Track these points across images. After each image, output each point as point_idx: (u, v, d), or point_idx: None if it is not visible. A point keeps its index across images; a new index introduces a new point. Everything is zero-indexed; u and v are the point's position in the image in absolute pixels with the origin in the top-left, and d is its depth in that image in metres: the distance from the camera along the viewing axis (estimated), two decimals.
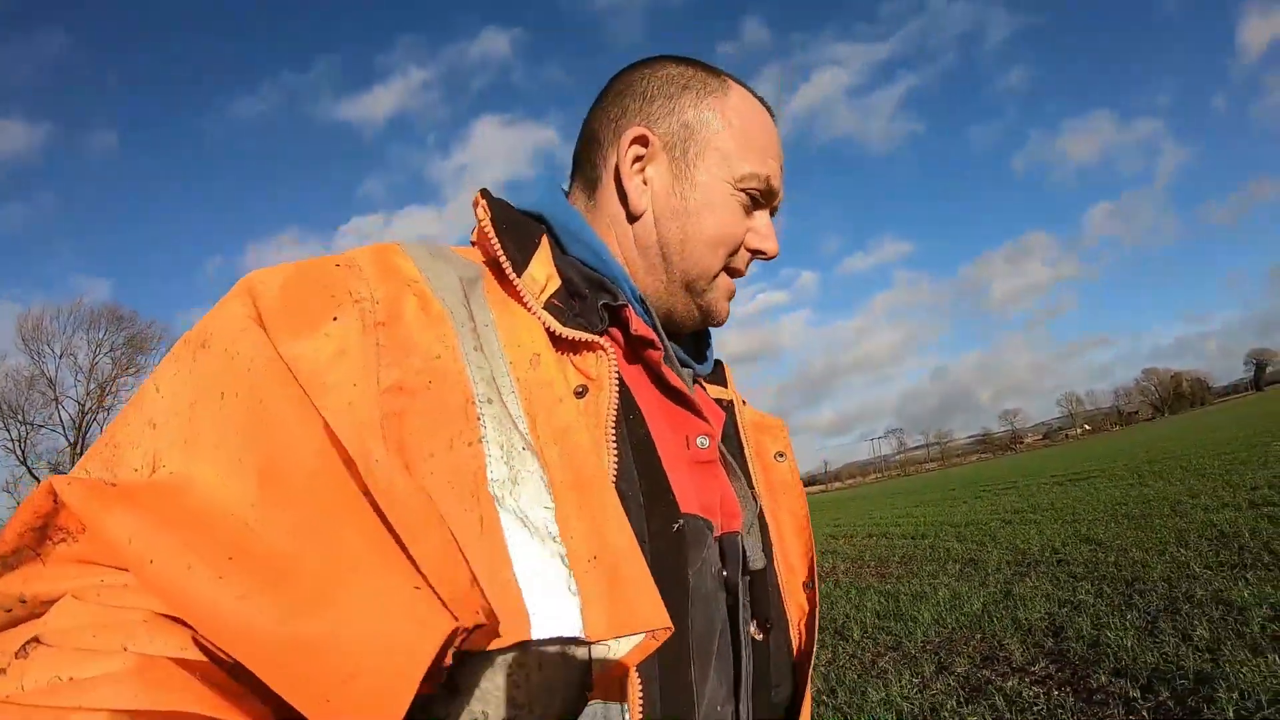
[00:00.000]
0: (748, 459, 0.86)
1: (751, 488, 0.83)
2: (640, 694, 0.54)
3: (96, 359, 34.99)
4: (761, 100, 0.83)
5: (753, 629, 0.77)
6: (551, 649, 0.49)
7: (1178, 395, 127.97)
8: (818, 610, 0.86)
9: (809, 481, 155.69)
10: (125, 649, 0.41)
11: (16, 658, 0.41)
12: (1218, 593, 4.98)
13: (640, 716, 0.54)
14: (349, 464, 0.48)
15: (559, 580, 0.51)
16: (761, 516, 0.83)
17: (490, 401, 0.57)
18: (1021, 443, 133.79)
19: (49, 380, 33.95)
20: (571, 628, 0.50)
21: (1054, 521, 10.75)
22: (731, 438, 0.86)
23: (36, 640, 0.41)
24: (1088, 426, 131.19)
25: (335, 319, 0.55)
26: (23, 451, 33.11)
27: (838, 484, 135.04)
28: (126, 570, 0.45)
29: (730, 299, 0.83)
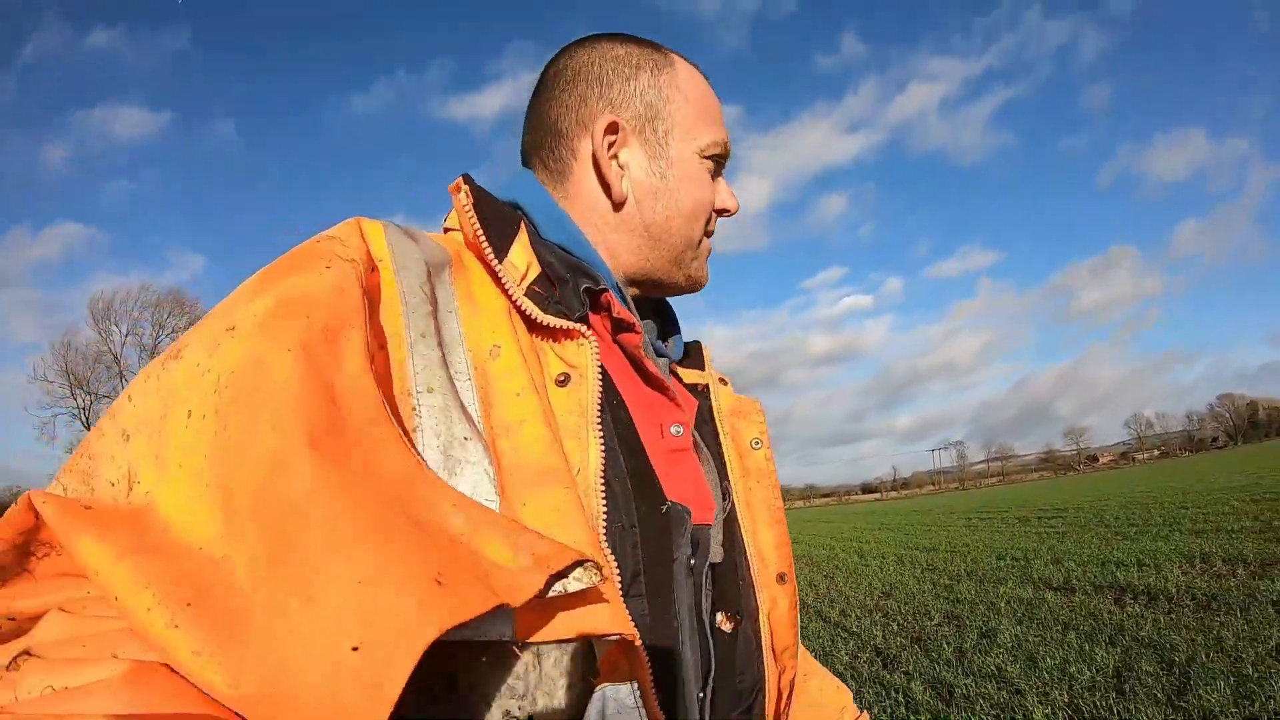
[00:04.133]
0: (723, 445, 0.85)
1: (725, 476, 0.83)
2: (651, 675, 0.53)
3: (159, 340, 39.24)
4: (698, 67, 0.85)
5: (720, 619, 0.77)
6: (548, 644, 0.49)
7: (1253, 423, 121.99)
8: (796, 603, 0.85)
9: (867, 490, 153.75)
10: (115, 656, 0.41)
11: (8, 670, 0.41)
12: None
13: (651, 694, 0.53)
14: (326, 464, 0.44)
15: None
16: (733, 506, 0.82)
17: (431, 391, 0.55)
18: (1096, 461, 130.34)
19: (114, 356, 38.60)
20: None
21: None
22: (707, 423, 0.86)
23: (27, 653, 0.41)
24: (1159, 450, 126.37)
25: (329, 266, 0.55)
26: (87, 419, 37.24)
27: (893, 494, 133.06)
28: None
29: (708, 258, 0.86)
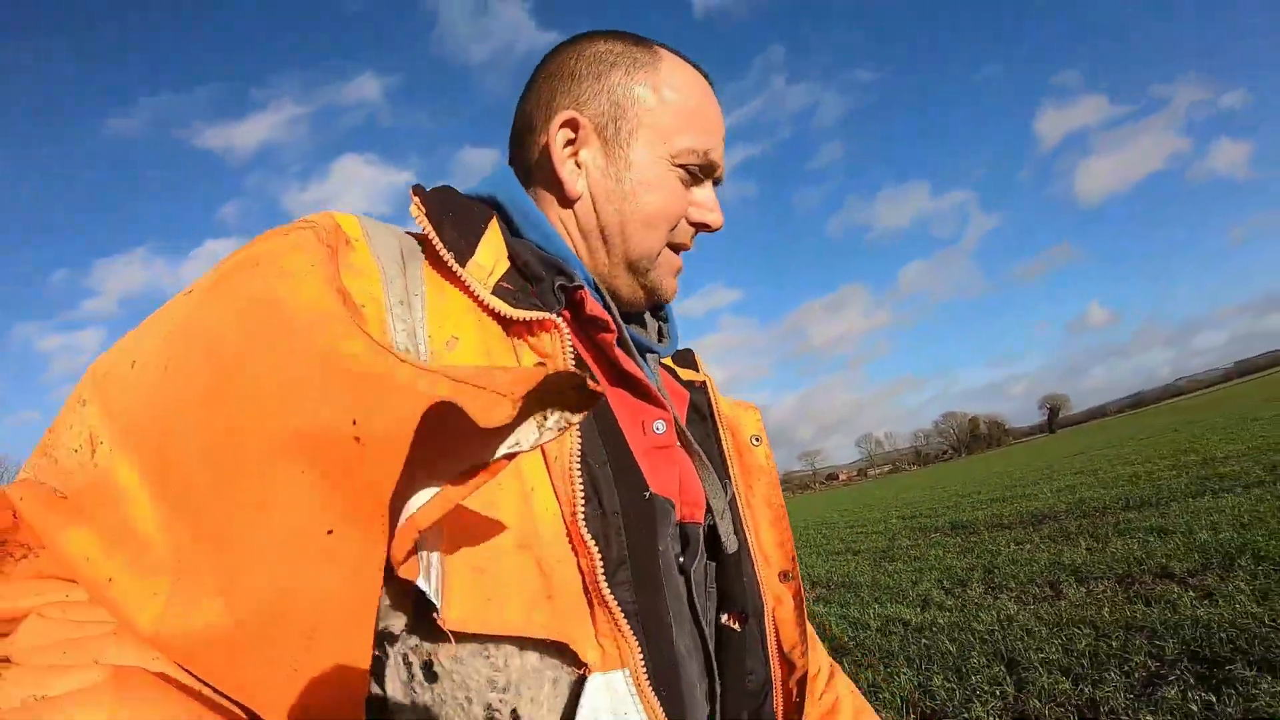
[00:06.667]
0: (723, 442, 0.83)
1: (727, 473, 0.81)
2: (643, 658, 0.53)
3: None
4: (698, 68, 0.79)
5: (727, 618, 0.75)
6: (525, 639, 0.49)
7: (975, 436, 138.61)
8: (802, 601, 0.83)
9: None
10: (96, 662, 0.40)
11: None
12: None
13: (645, 680, 0.53)
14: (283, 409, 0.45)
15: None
16: (734, 502, 0.80)
17: (409, 353, 0.55)
18: (837, 479, 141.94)
19: None
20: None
21: None
22: (705, 419, 0.84)
23: (6, 660, 0.40)
24: (890, 466, 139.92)
25: (288, 234, 0.55)
26: None
27: None
28: None
29: (677, 274, 0.80)
